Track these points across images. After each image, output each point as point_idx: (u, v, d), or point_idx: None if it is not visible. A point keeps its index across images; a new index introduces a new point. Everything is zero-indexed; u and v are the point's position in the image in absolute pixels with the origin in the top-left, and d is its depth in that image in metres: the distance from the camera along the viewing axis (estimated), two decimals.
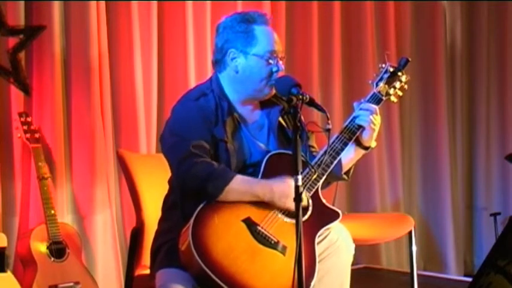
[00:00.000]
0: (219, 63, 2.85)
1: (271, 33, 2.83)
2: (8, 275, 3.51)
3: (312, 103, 2.59)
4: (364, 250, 5.03)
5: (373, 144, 2.90)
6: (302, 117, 2.54)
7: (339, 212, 2.81)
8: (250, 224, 2.66)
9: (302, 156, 2.49)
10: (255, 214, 2.67)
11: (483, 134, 5.64)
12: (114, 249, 4.11)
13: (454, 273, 5.37)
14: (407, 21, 5.44)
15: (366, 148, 2.89)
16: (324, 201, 2.81)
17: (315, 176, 2.74)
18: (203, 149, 2.70)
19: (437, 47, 5.53)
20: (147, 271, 3.02)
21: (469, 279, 4.52)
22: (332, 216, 2.79)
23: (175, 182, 2.78)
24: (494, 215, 5.21)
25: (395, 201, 5.33)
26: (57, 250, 3.71)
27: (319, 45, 5.02)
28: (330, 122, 2.59)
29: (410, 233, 4.06)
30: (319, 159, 2.76)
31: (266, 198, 2.69)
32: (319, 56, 5.03)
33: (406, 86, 2.97)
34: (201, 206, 2.64)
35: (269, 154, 2.80)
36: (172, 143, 2.75)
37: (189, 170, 2.65)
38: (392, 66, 2.95)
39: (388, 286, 4.92)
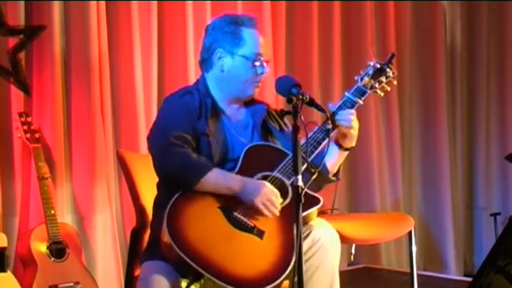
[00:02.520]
0: (205, 62, 2.92)
1: (258, 36, 2.89)
2: (8, 275, 3.51)
3: (312, 103, 2.62)
4: (364, 250, 5.03)
5: (353, 143, 2.93)
6: (302, 117, 2.55)
7: (320, 198, 2.81)
8: (226, 210, 2.68)
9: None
10: (231, 202, 2.70)
11: (483, 134, 5.64)
12: (114, 249, 4.11)
13: (454, 273, 5.37)
14: (407, 21, 5.44)
15: (348, 149, 2.92)
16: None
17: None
18: (184, 139, 2.74)
19: (437, 47, 5.53)
20: None
21: (469, 279, 4.51)
22: (313, 201, 2.78)
23: (158, 173, 2.80)
24: (494, 215, 5.21)
25: (395, 201, 5.33)
26: (57, 250, 3.71)
27: (319, 45, 5.02)
28: (330, 122, 2.61)
29: (410, 233, 4.05)
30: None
31: (237, 191, 2.70)
32: (319, 56, 5.03)
33: (395, 82, 3.01)
34: (177, 195, 2.67)
35: (248, 146, 2.83)
36: (154, 135, 2.82)
37: (168, 159, 2.70)
38: (379, 63, 2.98)
39: (388, 286, 4.92)
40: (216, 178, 2.69)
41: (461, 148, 5.66)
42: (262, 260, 2.60)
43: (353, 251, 3.72)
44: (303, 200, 2.45)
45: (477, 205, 5.67)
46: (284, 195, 2.73)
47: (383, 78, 2.98)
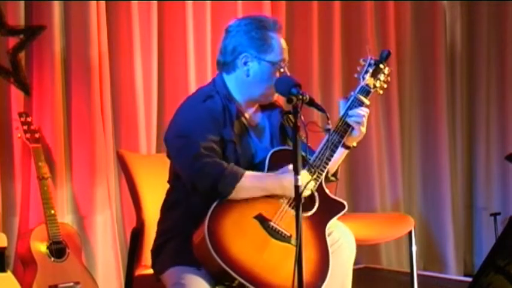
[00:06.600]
0: (227, 65, 2.86)
1: (282, 41, 2.87)
2: (8, 275, 3.51)
3: (312, 103, 2.61)
4: (364, 250, 5.02)
5: (355, 143, 2.95)
6: (303, 118, 2.55)
7: (344, 202, 2.85)
8: (262, 220, 2.69)
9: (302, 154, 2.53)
10: (265, 210, 2.70)
11: (483, 134, 5.64)
12: (114, 249, 4.11)
13: (454, 273, 5.37)
14: (407, 21, 5.44)
15: (348, 148, 2.93)
16: (328, 193, 2.85)
17: (322, 176, 2.76)
18: (212, 150, 2.72)
19: (437, 47, 5.53)
20: (147, 271, 3.03)
21: (469, 279, 4.52)
22: (338, 207, 2.83)
23: (187, 182, 2.77)
24: (494, 215, 5.21)
25: (395, 201, 5.33)
26: (57, 250, 3.71)
27: (319, 45, 5.02)
28: (330, 122, 2.63)
29: (410, 233, 4.06)
30: (319, 152, 2.80)
31: (277, 192, 2.71)
32: (319, 56, 5.03)
33: (389, 78, 3.02)
34: (214, 205, 2.66)
35: (272, 150, 2.83)
36: (182, 144, 2.76)
37: (201, 169, 2.67)
38: (374, 59, 2.99)
39: (388, 286, 4.92)
40: (251, 182, 2.69)
41: (461, 148, 5.66)
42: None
43: (355, 250, 3.72)
44: (303, 200, 2.46)
45: (477, 205, 5.66)
46: (311, 202, 2.75)
47: (381, 76, 2.99)
